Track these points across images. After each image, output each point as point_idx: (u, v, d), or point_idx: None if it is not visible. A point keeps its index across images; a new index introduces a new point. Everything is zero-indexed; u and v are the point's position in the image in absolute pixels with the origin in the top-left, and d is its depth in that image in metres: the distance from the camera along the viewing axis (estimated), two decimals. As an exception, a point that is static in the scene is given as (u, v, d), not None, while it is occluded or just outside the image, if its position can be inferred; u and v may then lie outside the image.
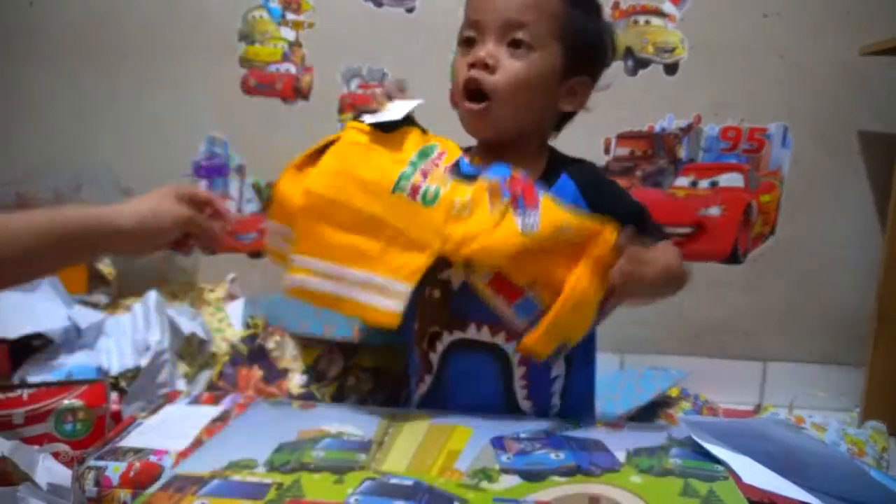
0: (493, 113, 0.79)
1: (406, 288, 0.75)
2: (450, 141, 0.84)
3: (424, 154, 0.79)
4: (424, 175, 0.77)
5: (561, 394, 0.83)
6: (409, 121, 0.83)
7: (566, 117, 0.88)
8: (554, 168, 0.83)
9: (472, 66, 0.78)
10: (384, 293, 0.76)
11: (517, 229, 0.72)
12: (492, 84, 0.77)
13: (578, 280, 0.71)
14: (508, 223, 0.72)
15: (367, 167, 0.78)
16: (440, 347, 0.83)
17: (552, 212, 0.73)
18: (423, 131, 0.85)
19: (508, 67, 0.77)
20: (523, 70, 0.78)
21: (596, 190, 0.82)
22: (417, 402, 0.88)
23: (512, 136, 0.82)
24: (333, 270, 0.77)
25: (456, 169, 0.78)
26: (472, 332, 0.80)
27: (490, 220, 0.73)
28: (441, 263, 0.81)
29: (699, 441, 0.70)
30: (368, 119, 0.81)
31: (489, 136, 0.83)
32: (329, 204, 0.78)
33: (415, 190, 0.76)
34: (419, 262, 0.75)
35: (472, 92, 0.79)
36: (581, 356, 0.84)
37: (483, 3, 0.79)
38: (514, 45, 0.77)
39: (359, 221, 0.77)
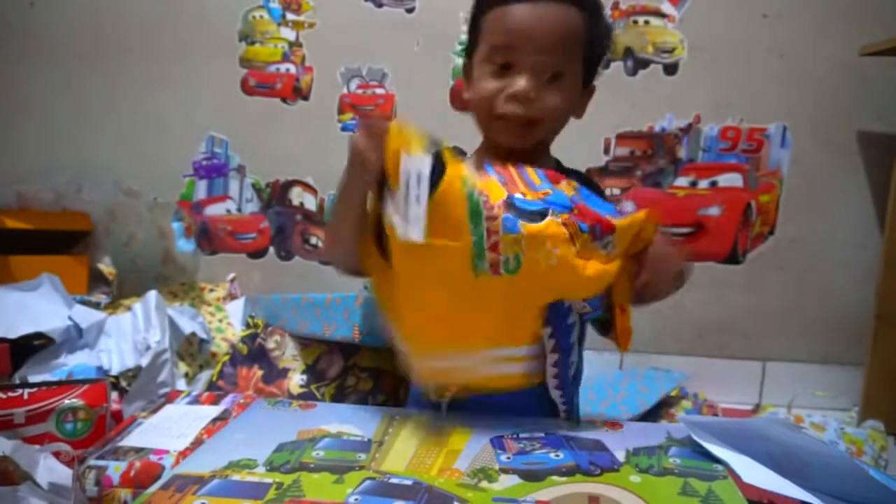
0: (535, 133, 0.82)
1: (530, 349, 0.78)
2: (456, 161, 0.73)
3: (476, 219, 0.70)
4: (495, 249, 0.70)
5: (574, 376, 0.84)
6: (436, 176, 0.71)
7: None
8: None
9: (511, 96, 0.78)
10: (510, 361, 0.78)
11: (604, 259, 0.74)
12: (535, 117, 0.80)
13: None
14: (595, 257, 0.74)
15: (434, 268, 0.71)
16: None
17: (622, 229, 0.74)
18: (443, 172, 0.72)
19: (549, 101, 0.79)
20: (561, 102, 0.80)
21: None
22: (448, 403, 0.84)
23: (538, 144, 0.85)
24: (459, 358, 0.77)
25: (514, 208, 0.72)
26: None
27: (579, 260, 0.72)
28: None
29: (699, 441, 0.70)
30: (400, 226, 0.69)
31: (527, 146, 0.84)
32: (427, 321, 0.75)
33: (495, 266, 0.71)
34: (536, 326, 0.76)
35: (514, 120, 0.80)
36: (581, 342, 0.84)
37: (519, 33, 0.78)
38: (551, 78, 0.79)
39: (461, 312, 0.74)
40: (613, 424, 0.79)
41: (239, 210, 1.83)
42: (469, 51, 0.86)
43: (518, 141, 0.83)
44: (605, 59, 0.88)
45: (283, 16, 1.76)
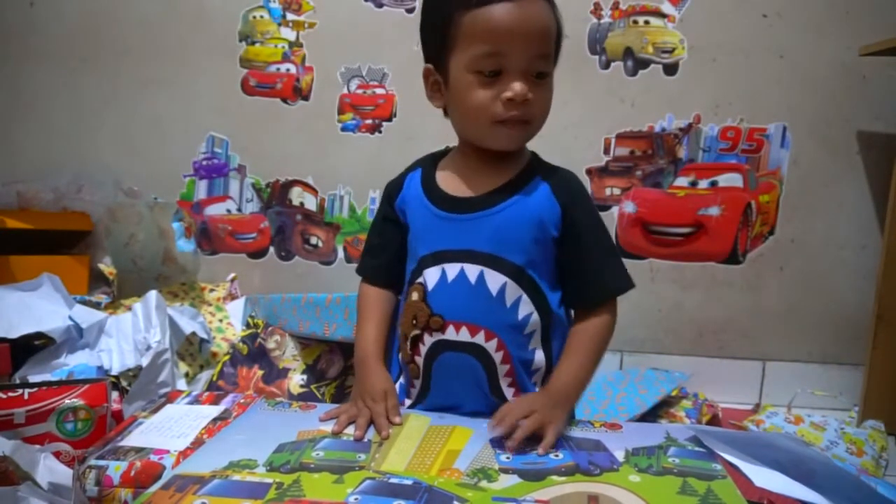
0: (530, 133, 0.81)
1: None
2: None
3: None
4: None
5: (541, 384, 0.84)
6: None
7: None
8: (530, 171, 0.84)
9: (509, 100, 0.76)
10: None
11: None
12: (531, 116, 0.79)
13: None
14: None
15: None
16: (423, 350, 0.83)
17: None
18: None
19: (540, 99, 0.78)
20: (549, 99, 0.80)
21: (569, 193, 0.82)
22: (409, 407, 0.87)
23: None
24: None
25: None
26: (451, 334, 0.81)
27: None
28: (420, 265, 0.83)
29: (715, 450, 0.70)
30: None
31: (519, 148, 0.85)
32: None
33: None
34: None
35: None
36: (558, 348, 0.84)
37: (506, 37, 0.75)
38: (539, 76, 0.78)
39: None
40: (613, 425, 0.79)
41: (239, 210, 1.83)
42: (434, 56, 0.82)
43: (517, 144, 0.83)
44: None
45: (283, 16, 1.76)
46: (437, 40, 0.80)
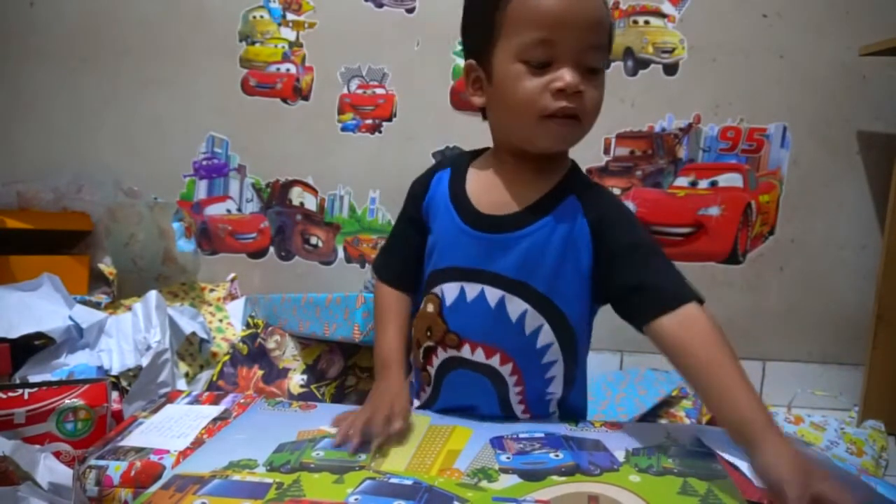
0: (581, 132, 0.76)
1: None
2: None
3: None
4: None
5: (558, 403, 0.83)
6: None
7: None
8: (564, 188, 0.79)
9: (559, 91, 0.72)
10: None
11: None
12: (581, 112, 0.74)
13: None
14: None
15: None
16: (436, 362, 0.82)
17: None
18: None
19: (591, 95, 0.74)
20: (601, 95, 0.75)
21: (598, 214, 0.77)
22: (417, 408, 0.87)
23: None
24: None
25: None
26: (466, 353, 0.79)
27: None
28: (438, 277, 0.81)
29: (716, 450, 0.70)
30: None
31: (565, 149, 0.80)
32: None
33: None
34: None
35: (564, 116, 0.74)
36: (580, 375, 0.84)
37: (557, 24, 0.70)
38: (592, 70, 0.73)
39: None
40: (613, 425, 0.79)
41: (239, 210, 1.83)
42: (478, 49, 0.77)
43: (565, 142, 0.77)
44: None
45: (283, 16, 1.76)
46: (481, 31, 0.76)
